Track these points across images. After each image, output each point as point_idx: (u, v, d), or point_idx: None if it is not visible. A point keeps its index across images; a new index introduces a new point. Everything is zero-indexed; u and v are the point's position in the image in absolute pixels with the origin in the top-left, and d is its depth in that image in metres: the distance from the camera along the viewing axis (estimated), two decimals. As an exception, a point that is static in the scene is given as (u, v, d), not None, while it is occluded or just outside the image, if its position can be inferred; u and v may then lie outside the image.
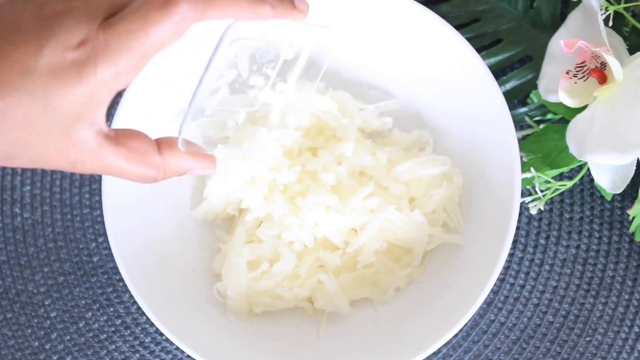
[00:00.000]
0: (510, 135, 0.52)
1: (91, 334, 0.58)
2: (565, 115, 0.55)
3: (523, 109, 0.59)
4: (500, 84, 0.59)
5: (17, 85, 0.35)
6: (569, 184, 0.57)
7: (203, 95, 0.41)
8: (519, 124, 0.60)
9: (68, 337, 0.58)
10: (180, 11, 0.35)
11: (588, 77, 0.50)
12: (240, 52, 0.42)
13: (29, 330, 0.59)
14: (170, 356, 0.58)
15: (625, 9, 0.54)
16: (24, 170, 0.61)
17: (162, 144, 0.41)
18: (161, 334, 0.58)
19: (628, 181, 0.51)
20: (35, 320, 0.59)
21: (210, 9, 0.36)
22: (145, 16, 0.35)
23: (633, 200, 0.59)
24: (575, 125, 0.51)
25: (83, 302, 0.59)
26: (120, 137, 0.39)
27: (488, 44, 0.62)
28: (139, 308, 0.59)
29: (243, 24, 0.40)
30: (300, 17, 0.40)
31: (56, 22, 0.35)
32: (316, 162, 0.54)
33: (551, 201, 0.60)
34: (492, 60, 0.61)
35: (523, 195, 0.57)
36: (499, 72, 0.62)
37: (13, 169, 0.61)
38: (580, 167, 0.58)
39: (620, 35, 0.53)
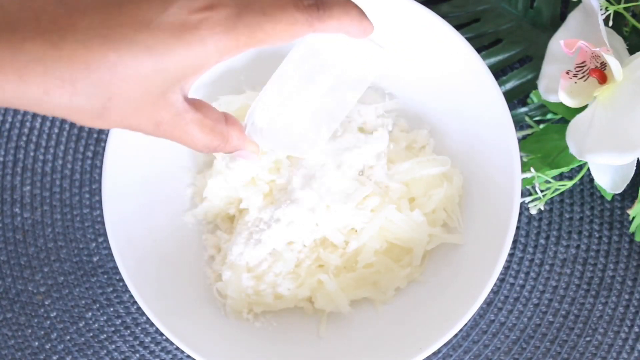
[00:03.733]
0: (510, 135, 0.52)
1: (91, 334, 0.58)
2: (565, 115, 0.55)
3: (523, 109, 0.59)
4: (500, 84, 0.59)
5: (136, 40, 0.34)
6: (569, 184, 0.57)
7: (272, 91, 0.42)
8: (519, 124, 0.60)
9: (68, 337, 0.58)
10: (308, 18, 0.36)
11: (588, 77, 0.50)
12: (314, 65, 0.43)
13: (29, 330, 0.58)
14: (170, 356, 0.58)
15: (625, 9, 0.54)
16: (24, 170, 0.61)
17: (227, 117, 0.41)
18: (161, 334, 0.58)
19: (628, 181, 0.51)
20: (35, 320, 0.59)
21: (328, 21, 0.38)
22: (284, 8, 0.36)
23: (633, 200, 0.59)
24: (575, 125, 0.51)
25: (83, 302, 0.59)
26: (196, 104, 0.39)
27: (488, 44, 0.62)
28: (139, 308, 0.59)
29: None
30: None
31: None
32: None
33: (551, 201, 0.60)
34: (492, 60, 0.61)
35: (523, 195, 0.57)
36: (499, 72, 0.62)
37: (13, 169, 0.61)
38: (580, 167, 0.58)
39: (620, 35, 0.53)
